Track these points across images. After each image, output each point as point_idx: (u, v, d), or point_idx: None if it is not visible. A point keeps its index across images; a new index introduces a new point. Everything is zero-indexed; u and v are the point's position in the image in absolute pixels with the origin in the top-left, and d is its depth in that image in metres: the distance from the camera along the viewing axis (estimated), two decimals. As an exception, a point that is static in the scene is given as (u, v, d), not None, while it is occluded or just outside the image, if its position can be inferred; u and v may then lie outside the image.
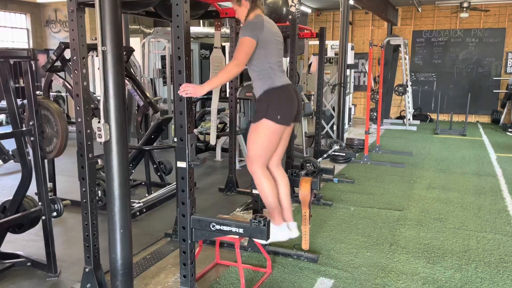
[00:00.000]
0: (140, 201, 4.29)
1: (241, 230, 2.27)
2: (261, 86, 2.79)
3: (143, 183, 4.91)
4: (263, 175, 2.78)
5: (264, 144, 2.76)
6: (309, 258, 3.19)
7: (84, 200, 2.62)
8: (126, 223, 2.36)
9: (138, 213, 4.11)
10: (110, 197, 2.31)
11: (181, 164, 2.31)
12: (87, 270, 2.66)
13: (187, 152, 2.29)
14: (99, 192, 4.14)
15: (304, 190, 3.00)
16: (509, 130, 9.67)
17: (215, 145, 6.59)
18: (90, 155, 2.60)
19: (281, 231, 2.82)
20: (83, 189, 2.61)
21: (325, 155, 5.35)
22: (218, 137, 6.35)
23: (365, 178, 5.59)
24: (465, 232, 3.81)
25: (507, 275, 3.02)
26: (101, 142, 2.29)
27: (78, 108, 2.54)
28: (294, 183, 3.14)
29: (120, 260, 2.35)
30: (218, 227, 2.31)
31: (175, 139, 2.33)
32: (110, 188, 2.31)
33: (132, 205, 4.23)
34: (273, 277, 2.96)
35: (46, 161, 3.38)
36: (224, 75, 2.58)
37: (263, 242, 2.79)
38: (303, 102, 2.99)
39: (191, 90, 2.25)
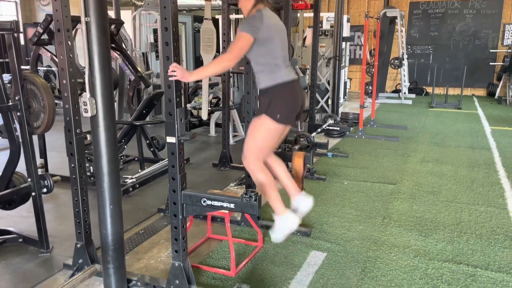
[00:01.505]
0: (133, 176, 4.27)
1: (232, 205, 2.25)
2: (264, 80, 2.71)
3: (136, 158, 4.88)
4: (259, 169, 2.71)
5: (261, 142, 2.72)
6: (301, 232, 3.19)
7: (74, 176, 2.59)
8: (116, 198, 2.34)
9: (130, 189, 4.09)
10: (99, 173, 2.28)
11: (171, 139, 2.27)
12: (78, 246, 2.65)
13: (176, 127, 2.24)
14: (91, 167, 4.11)
15: (297, 164, 2.97)
16: None
17: (209, 120, 6.54)
18: (78, 131, 2.56)
19: (288, 220, 2.73)
20: (72, 165, 2.58)
21: (319, 130, 5.32)
22: (211, 112, 6.29)
23: (359, 152, 5.58)
24: (457, 205, 3.82)
25: (498, 247, 3.05)
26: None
27: (64, 82, 2.48)
28: (287, 158, 3.12)
29: (110, 235, 2.34)
30: (209, 202, 2.29)
31: (164, 114, 2.29)
32: (99, 164, 2.27)
33: (125, 181, 4.21)
34: (266, 251, 2.97)
35: (36, 136, 3.33)
36: (214, 67, 2.53)
37: (275, 239, 2.78)
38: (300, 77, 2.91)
39: (178, 75, 2.19)
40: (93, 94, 2.20)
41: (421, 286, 2.56)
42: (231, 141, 5.90)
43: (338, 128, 5.99)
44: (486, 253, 2.95)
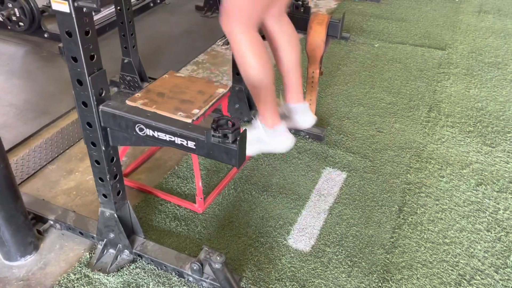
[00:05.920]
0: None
1: (191, 144, 1.18)
2: None
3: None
4: (247, 40, 1.51)
5: None
6: (312, 135, 2.18)
7: None
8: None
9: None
10: None
11: (58, 5, 1.07)
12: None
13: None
14: (16, 10, 2.93)
15: (316, 37, 1.78)
16: None
17: None
18: None
19: (278, 137, 1.70)
20: None
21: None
22: None
23: (394, -7, 4.16)
24: (533, 89, 2.73)
25: None
26: None
27: None
28: (298, 24, 1.86)
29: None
30: (148, 132, 1.22)
31: None
32: None
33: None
34: (256, 166, 2.02)
35: None
36: None
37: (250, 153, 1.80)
38: None
39: None
40: None
41: (489, 246, 1.68)
42: (224, -30, 4.39)
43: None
44: None
